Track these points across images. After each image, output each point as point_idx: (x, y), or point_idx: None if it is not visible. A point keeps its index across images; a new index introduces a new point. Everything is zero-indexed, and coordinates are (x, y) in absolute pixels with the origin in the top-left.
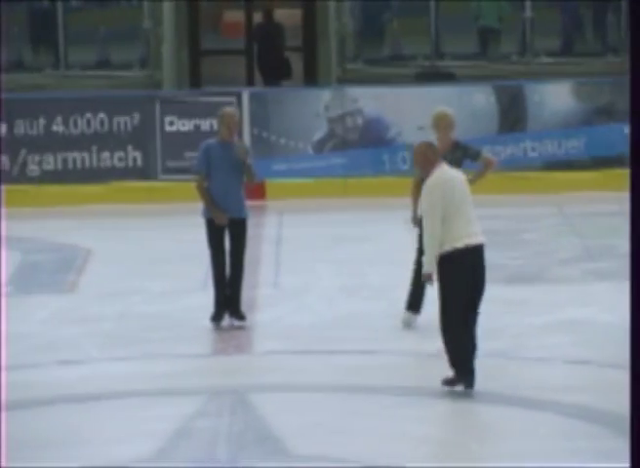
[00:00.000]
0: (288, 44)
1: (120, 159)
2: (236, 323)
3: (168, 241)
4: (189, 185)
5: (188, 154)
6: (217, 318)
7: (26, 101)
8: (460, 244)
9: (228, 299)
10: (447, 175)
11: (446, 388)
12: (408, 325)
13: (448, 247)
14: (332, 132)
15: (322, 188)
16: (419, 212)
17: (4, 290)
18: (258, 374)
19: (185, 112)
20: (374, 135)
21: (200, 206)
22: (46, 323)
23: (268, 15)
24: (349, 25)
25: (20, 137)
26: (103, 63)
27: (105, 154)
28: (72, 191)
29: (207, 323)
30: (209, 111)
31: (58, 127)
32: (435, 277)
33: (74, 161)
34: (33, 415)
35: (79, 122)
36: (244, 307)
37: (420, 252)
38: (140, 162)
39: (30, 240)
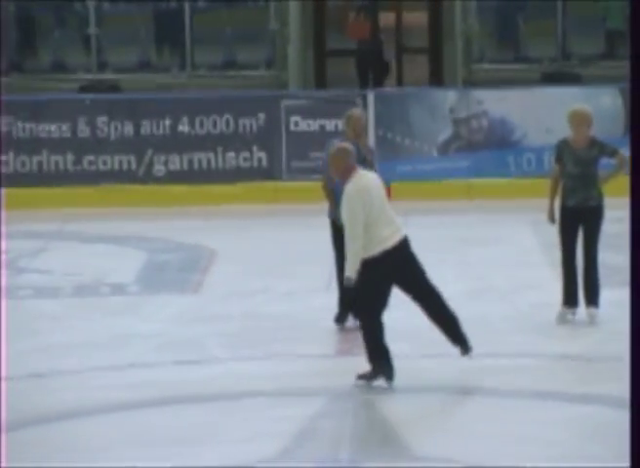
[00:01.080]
0: (413, 45)
1: (245, 159)
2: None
3: (292, 241)
4: (314, 186)
5: (313, 154)
6: (341, 319)
7: (153, 102)
8: (388, 244)
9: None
10: (364, 182)
11: (378, 385)
12: (563, 321)
13: (377, 250)
14: (457, 133)
15: (446, 190)
16: (343, 218)
17: (130, 289)
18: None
19: (311, 112)
20: (499, 136)
21: (325, 206)
22: (171, 322)
23: (373, 17)
24: (475, 26)
25: (147, 138)
26: (230, 64)
27: (231, 155)
28: (198, 191)
29: (331, 323)
30: (334, 112)
31: (183, 127)
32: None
33: (200, 161)
34: (157, 414)
35: (205, 122)
36: None
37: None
38: (265, 162)
39: (156, 240)
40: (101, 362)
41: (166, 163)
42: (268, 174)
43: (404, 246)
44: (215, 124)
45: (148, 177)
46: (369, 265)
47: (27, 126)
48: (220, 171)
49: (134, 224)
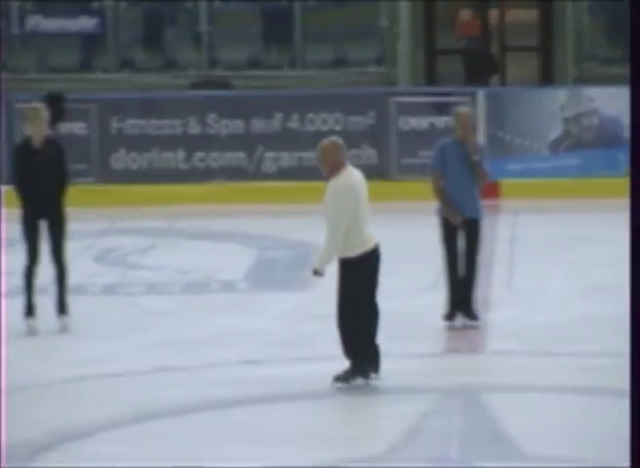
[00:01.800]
0: (519, 44)
1: (355, 157)
2: (469, 322)
3: (402, 239)
4: (425, 184)
5: (423, 153)
6: (450, 317)
7: (263, 99)
8: (370, 245)
9: (461, 299)
10: (354, 179)
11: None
12: None
13: (358, 251)
14: (567, 132)
15: (557, 188)
16: (328, 213)
17: (239, 286)
18: (490, 374)
19: (420, 110)
20: (609, 135)
21: (436, 205)
22: (280, 319)
23: (483, 15)
24: (587, 25)
25: (257, 135)
26: (339, 61)
27: None
28: (307, 188)
29: (439, 322)
30: (444, 110)
31: (293, 124)
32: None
33: (310, 158)
34: (265, 412)
35: (315, 120)
36: (477, 307)
37: None
38: (375, 160)
39: (265, 237)
40: (211, 359)
41: (276, 160)
42: (378, 171)
43: (378, 249)
44: (324, 121)
45: (258, 174)
46: (350, 265)
47: (138, 123)
48: None
49: (243, 221)
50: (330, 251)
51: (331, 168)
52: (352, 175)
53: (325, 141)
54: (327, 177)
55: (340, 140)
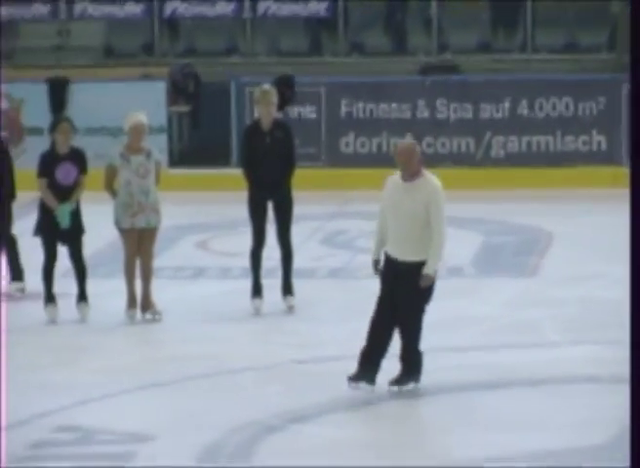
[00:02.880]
0: None
1: (584, 143)
2: None
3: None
4: None
5: None
6: None
7: (492, 83)
8: None
9: None
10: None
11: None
12: None
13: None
14: None
15: None
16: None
17: (466, 271)
18: None
19: None
20: None
21: None
22: (507, 305)
23: None
24: None
25: (486, 120)
26: (570, 46)
27: (570, 138)
28: (536, 174)
29: None
30: None
31: (522, 110)
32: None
33: (538, 144)
34: (491, 397)
35: (544, 105)
36: None
37: None
38: (604, 147)
39: (493, 222)
40: (439, 343)
41: (504, 145)
42: (608, 158)
43: None
44: (554, 107)
45: (486, 160)
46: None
47: (368, 107)
48: (559, 154)
49: (471, 207)
50: (440, 252)
51: (417, 168)
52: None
53: (407, 142)
54: (410, 178)
55: (414, 141)
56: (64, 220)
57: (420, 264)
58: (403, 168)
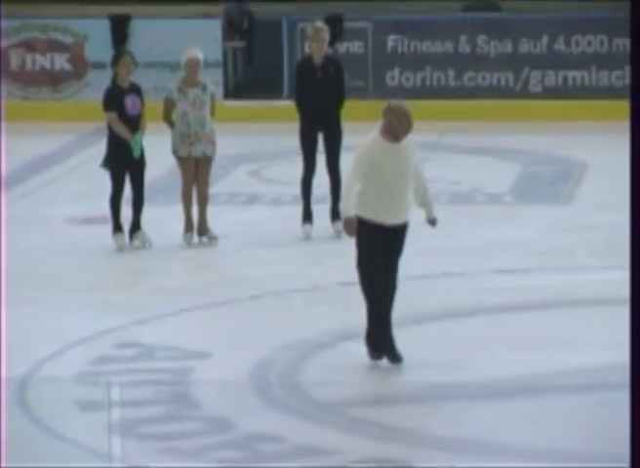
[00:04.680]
0: None
1: (617, 78)
2: None
3: None
4: None
5: None
6: None
7: (530, 21)
8: None
9: None
10: None
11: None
12: None
13: None
14: None
15: None
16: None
17: (504, 199)
18: None
19: None
20: None
21: None
22: (542, 231)
23: None
24: None
25: (524, 55)
26: None
27: (604, 73)
28: (572, 107)
29: None
30: None
31: (559, 46)
32: None
33: (574, 79)
34: (527, 318)
35: (580, 41)
36: None
37: None
38: None
39: (530, 153)
40: (476, 267)
41: (542, 80)
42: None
43: None
44: (589, 43)
45: (525, 93)
46: None
47: (413, 43)
48: (594, 88)
49: (509, 138)
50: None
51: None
52: None
53: (404, 104)
54: (400, 139)
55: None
56: (137, 149)
57: (407, 223)
58: (408, 129)
